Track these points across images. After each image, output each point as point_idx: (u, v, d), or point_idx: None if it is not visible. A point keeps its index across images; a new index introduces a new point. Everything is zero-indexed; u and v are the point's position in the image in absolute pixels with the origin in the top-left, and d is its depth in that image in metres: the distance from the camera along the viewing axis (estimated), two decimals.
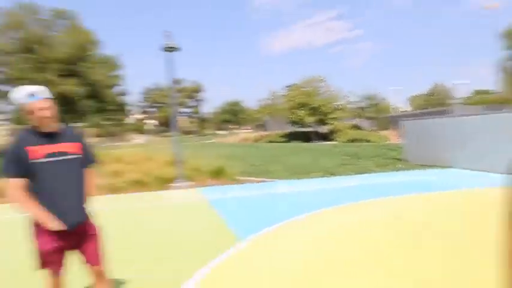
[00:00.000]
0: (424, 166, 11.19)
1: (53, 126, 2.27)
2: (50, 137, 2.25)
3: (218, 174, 10.38)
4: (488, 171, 9.17)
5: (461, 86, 43.73)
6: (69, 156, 2.29)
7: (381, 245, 4.12)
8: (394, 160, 13.34)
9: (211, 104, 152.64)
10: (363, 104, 36.10)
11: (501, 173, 8.14)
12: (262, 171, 11.79)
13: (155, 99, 74.55)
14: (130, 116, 56.34)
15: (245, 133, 50.62)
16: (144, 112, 75.71)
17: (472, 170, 9.80)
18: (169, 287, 3.23)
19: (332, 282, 3.19)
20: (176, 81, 10.48)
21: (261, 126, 52.95)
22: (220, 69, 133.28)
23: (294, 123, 33.42)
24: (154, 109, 76.21)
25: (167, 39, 9.15)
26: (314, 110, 31.29)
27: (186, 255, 4.14)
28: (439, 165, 10.90)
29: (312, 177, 10.43)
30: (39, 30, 25.33)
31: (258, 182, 10.15)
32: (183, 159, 10.33)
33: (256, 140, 36.46)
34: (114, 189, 8.99)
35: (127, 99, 30.13)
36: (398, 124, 18.91)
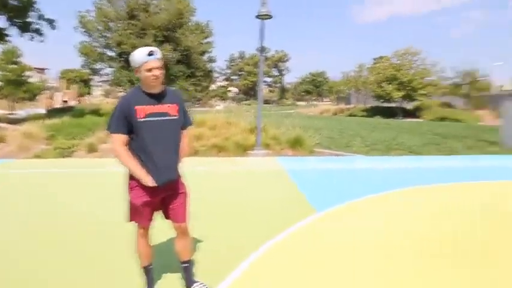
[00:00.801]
0: None
1: (159, 87, 2.36)
2: (155, 97, 2.34)
3: (296, 145, 10.61)
4: None
5: None
6: (169, 117, 2.37)
7: (459, 233, 4.01)
8: (487, 143, 12.10)
9: (293, 74, 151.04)
10: (458, 80, 32.39)
11: None
12: (341, 145, 11.70)
13: (239, 68, 76.46)
14: (215, 83, 58.93)
15: (325, 105, 49.58)
16: (227, 79, 78.40)
17: None
18: (243, 251, 3.39)
19: (402, 263, 3.28)
20: (263, 50, 10.84)
21: (343, 99, 51.16)
22: (306, 38, 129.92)
23: (379, 97, 31.68)
24: (236, 77, 78.41)
25: (262, 6, 9.42)
26: (402, 85, 29.18)
27: (262, 222, 4.38)
28: None
29: (393, 155, 10.08)
30: None
31: (336, 155, 10.16)
32: (263, 127, 10.74)
33: (336, 113, 35.58)
34: (194, 152, 9.46)
35: (214, 66, 31.50)
36: (499, 104, 16.80)
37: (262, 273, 3.01)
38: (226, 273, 2.96)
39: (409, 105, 33.10)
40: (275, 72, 79.27)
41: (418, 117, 29.82)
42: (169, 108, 2.38)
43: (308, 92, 78.09)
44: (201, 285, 2.63)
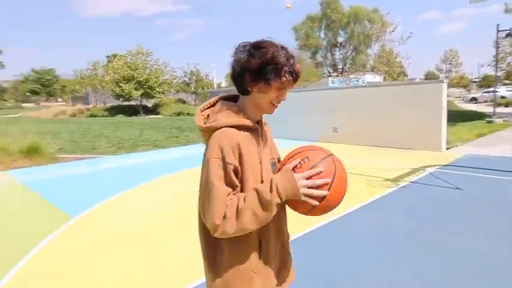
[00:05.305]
0: None
1: None
2: None
3: (33, 154, 9.41)
4: (278, 138, 11.74)
5: None
6: None
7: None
8: None
9: (10, 70, 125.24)
10: (187, 79, 37.26)
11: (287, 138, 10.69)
12: (86, 148, 11.29)
13: None
14: None
15: (60, 107, 44.50)
16: None
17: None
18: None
19: (159, 238, 3.98)
20: None
21: (80, 98, 47.50)
22: (23, 29, 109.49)
23: (118, 96, 31.64)
24: None
25: None
26: (140, 84, 30.46)
27: (14, 240, 4.10)
28: None
29: (140, 151, 10.78)
30: None
31: (82, 159, 9.79)
32: None
33: (75, 115, 32.86)
34: None
35: None
36: None
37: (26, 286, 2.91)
38: None
39: (149, 103, 35.05)
40: None
41: (158, 113, 32.13)
42: None
43: (35, 92, 67.26)
44: None
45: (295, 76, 1.20)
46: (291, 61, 1.18)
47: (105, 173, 7.90)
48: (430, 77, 63.27)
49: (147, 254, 3.44)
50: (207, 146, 1.20)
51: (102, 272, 3.09)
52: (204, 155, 1.20)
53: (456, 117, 14.43)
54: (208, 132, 1.21)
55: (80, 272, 3.12)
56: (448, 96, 10.10)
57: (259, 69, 1.16)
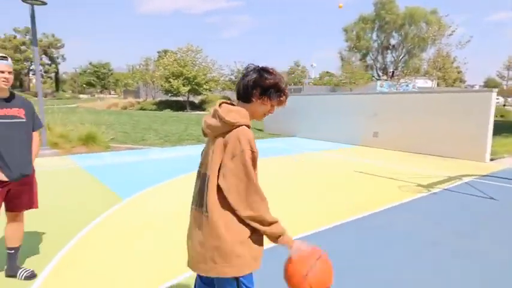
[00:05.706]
0: (274, 135, 13.55)
1: (7, 92, 2.66)
2: (4, 101, 2.63)
3: (89, 142, 10.38)
4: (319, 139, 11.90)
5: (310, 68, 51.64)
6: (18, 120, 2.68)
7: None
8: (256, 130, 15.45)
9: (70, 63, 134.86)
10: (233, 77, 38.13)
11: (328, 140, 10.86)
12: (136, 139, 12.18)
13: None
14: None
15: (113, 99, 47.43)
16: None
17: (308, 138, 12.46)
18: (60, 242, 3.74)
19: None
20: (34, 37, 9.81)
21: (131, 92, 50.30)
22: (80, 23, 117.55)
23: (167, 91, 33.19)
24: None
25: None
26: (188, 80, 31.72)
27: (72, 218, 4.59)
28: (286, 134, 13.45)
29: (185, 145, 11.45)
30: None
31: (132, 149, 10.62)
32: (46, 125, 9.96)
33: (126, 107, 35.00)
34: None
35: None
36: None
37: (80, 258, 3.33)
38: (43, 263, 3.13)
39: (196, 99, 36.40)
40: (45, 60, 68.61)
41: (203, 109, 33.29)
42: (18, 112, 2.68)
43: (91, 85, 72.01)
44: (27, 271, 2.87)
45: (286, 98, 1.67)
46: (286, 88, 1.66)
47: (152, 162, 8.54)
48: (490, 84, 59.41)
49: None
50: (232, 139, 1.50)
51: (146, 247, 3.44)
52: (227, 145, 1.50)
53: None
54: (229, 126, 1.51)
55: (127, 246, 3.49)
56: (510, 106, 9.69)
57: (267, 88, 1.58)
